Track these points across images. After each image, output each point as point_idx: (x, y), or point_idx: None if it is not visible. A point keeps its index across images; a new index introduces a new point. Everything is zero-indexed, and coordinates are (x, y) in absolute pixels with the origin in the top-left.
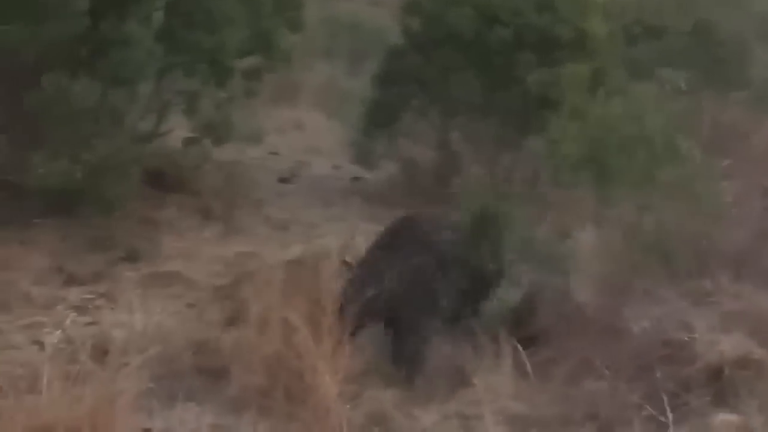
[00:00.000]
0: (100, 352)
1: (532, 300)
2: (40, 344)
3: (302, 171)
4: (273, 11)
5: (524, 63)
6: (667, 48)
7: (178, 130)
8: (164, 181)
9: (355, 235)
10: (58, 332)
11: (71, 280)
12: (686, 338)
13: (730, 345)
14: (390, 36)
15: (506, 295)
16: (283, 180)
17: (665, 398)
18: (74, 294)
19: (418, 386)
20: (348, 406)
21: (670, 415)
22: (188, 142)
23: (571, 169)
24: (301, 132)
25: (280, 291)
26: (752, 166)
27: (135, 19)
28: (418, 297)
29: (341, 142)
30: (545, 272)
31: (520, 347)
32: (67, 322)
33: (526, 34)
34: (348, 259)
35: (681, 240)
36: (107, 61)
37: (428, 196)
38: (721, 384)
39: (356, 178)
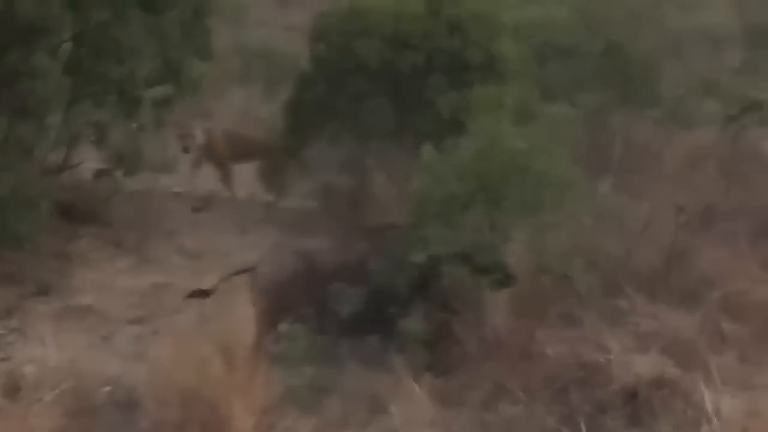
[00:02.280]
0: (12, 389)
1: (446, 326)
2: None
3: (215, 199)
4: (181, 40)
5: (435, 86)
6: (578, 68)
7: (88, 161)
8: (75, 213)
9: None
10: None
11: None
12: (602, 360)
13: (646, 365)
14: (303, 62)
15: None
16: (195, 209)
17: (581, 420)
18: None
19: (333, 414)
20: None
21: None
22: (99, 173)
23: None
24: None
25: (194, 322)
26: (664, 184)
27: (43, 51)
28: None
29: (255, 169)
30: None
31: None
32: None
33: (437, 57)
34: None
35: (594, 261)
36: (14, 92)
37: (341, 221)
38: (636, 404)
39: (270, 205)
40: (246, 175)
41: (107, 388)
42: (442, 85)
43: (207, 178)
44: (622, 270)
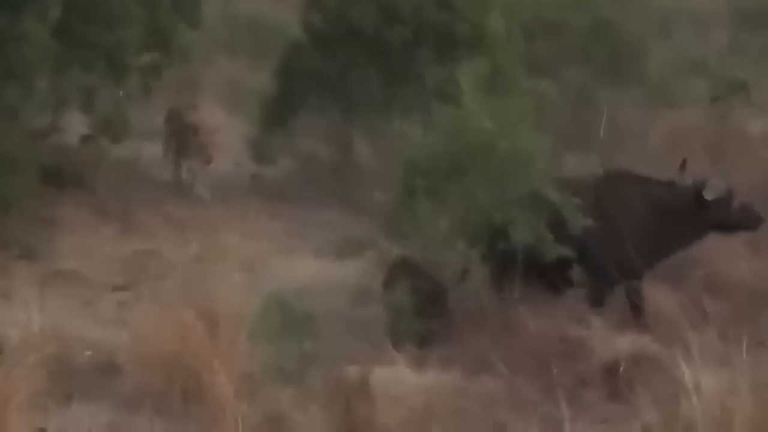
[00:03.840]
0: None
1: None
2: None
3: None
4: (171, 8)
5: (423, 60)
6: (565, 45)
7: (74, 127)
8: (61, 178)
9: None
10: None
11: None
12: (583, 335)
13: (626, 341)
14: (292, 32)
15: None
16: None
17: (561, 394)
18: None
19: (315, 385)
20: (245, 405)
21: (566, 411)
22: (85, 139)
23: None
24: None
25: (177, 289)
26: (649, 163)
27: (31, 15)
28: None
29: (242, 138)
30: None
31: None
32: None
33: (426, 31)
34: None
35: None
36: (2, 56)
37: (327, 191)
38: (616, 379)
39: (255, 175)
40: (232, 144)
41: (89, 353)
42: (429, 59)
43: None
44: None
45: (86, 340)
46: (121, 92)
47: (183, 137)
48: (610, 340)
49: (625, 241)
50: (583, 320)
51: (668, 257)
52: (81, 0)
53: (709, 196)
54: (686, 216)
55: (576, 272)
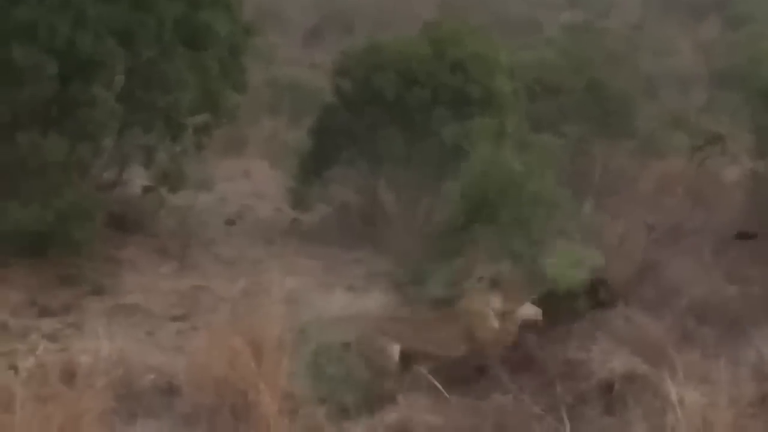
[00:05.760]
0: (69, 375)
1: None
2: (15, 369)
3: (247, 214)
4: (220, 74)
5: (439, 118)
6: (564, 104)
7: (137, 179)
8: (126, 224)
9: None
10: (32, 358)
11: (44, 312)
12: (584, 357)
13: (620, 362)
14: (326, 95)
15: None
16: (229, 222)
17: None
18: (46, 324)
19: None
20: (287, 420)
21: (567, 424)
22: (146, 189)
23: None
24: (247, 179)
25: (227, 320)
26: (638, 205)
27: (99, 82)
28: None
29: (283, 188)
30: None
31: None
32: (40, 348)
33: (442, 92)
34: None
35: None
36: (75, 119)
37: (357, 234)
38: (611, 396)
39: (295, 220)
40: (275, 192)
41: (151, 376)
42: (446, 117)
43: (240, 195)
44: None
45: (148, 365)
46: (177, 148)
47: None
48: (606, 362)
49: None
50: (583, 344)
51: None
52: (142, 68)
53: None
54: None
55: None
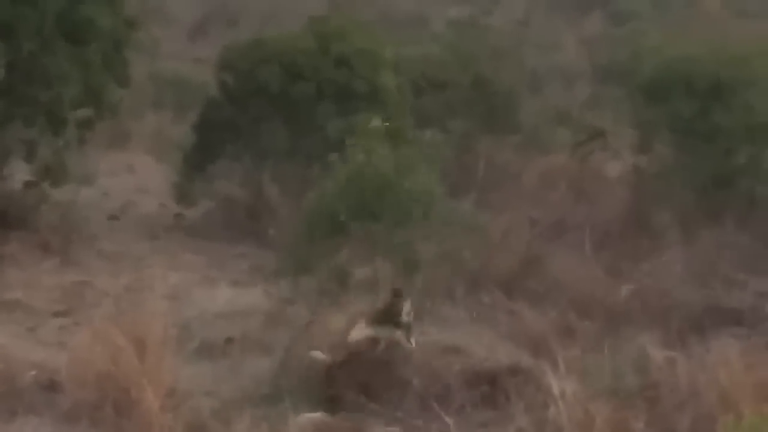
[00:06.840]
0: None
1: None
2: None
3: (131, 209)
4: (103, 68)
5: (324, 113)
6: (449, 99)
7: (18, 174)
8: (7, 219)
9: None
10: None
11: None
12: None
13: (503, 355)
14: (210, 90)
15: None
16: (112, 217)
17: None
18: None
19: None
20: (170, 416)
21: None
22: (28, 184)
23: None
24: (131, 174)
25: (110, 315)
26: (522, 200)
27: None
28: None
29: (167, 183)
30: None
31: None
32: None
33: (326, 87)
34: None
35: (460, 267)
36: None
37: (241, 229)
38: (494, 389)
39: (179, 215)
40: (158, 187)
41: (32, 373)
42: (330, 111)
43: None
44: (485, 274)
45: (30, 361)
46: (59, 143)
47: None
48: (489, 355)
49: None
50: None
51: None
52: (22, 62)
53: None
54: None
55: None
